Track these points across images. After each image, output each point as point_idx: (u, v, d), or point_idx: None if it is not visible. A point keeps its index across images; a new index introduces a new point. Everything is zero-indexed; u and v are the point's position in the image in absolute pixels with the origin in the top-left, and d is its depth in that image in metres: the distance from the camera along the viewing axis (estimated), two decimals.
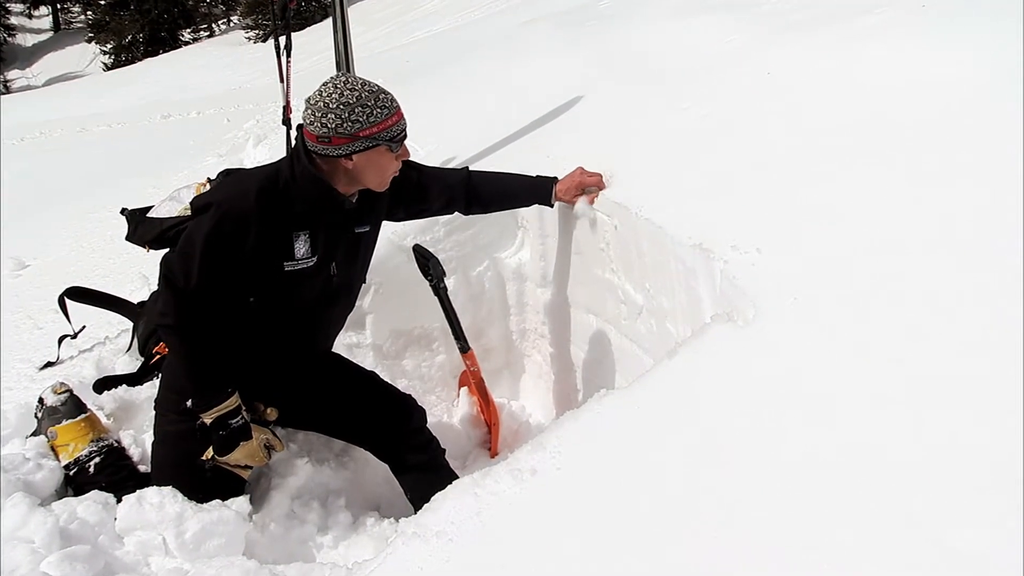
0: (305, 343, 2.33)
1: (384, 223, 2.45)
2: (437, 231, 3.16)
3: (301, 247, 2.11)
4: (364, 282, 2.46)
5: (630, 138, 3.11)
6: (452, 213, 2.67)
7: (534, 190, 2.62)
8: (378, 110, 2.01)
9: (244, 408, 2.18)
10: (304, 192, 2.08)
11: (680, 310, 2.34)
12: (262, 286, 2.11)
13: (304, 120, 2.04)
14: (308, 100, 2.03)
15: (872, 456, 1.35)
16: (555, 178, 2.63)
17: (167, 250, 2.18)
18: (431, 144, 4.37)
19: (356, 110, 1.98)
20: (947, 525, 1.20)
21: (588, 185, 2.64)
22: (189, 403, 2.12)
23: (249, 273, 2.07)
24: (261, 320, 2.18)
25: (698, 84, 3.29)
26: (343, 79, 2.03)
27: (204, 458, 2.18)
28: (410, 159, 2.31)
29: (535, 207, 3.18)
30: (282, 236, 2.08)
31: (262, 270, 2.08)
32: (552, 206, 2.69)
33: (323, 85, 2.02)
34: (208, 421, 2.11)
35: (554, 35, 5.42)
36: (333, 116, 1.98)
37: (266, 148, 6.21)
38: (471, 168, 2.61)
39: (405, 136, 2.11)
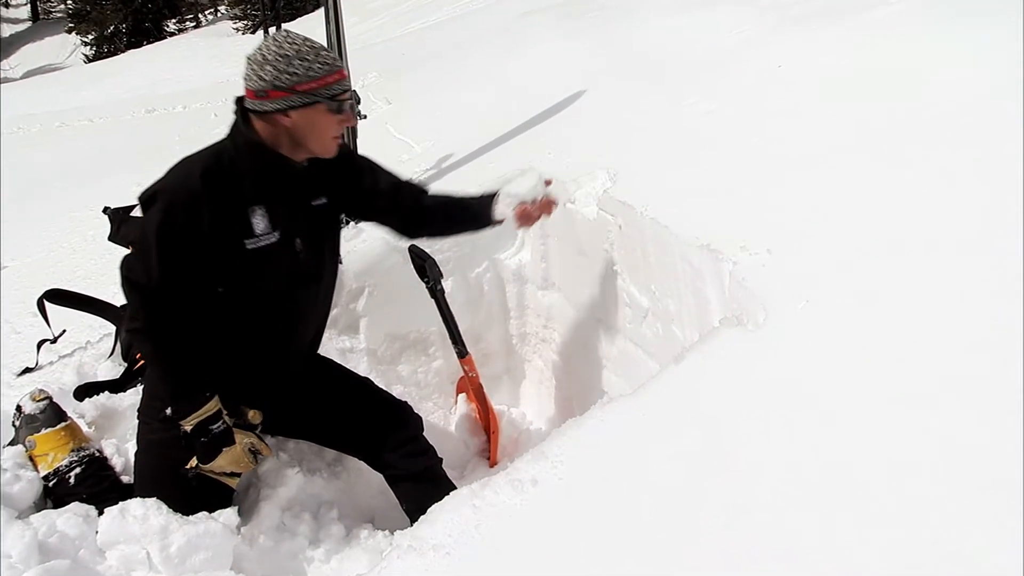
0: (284, 335, 2.31)
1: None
2: None
3: (260, 222, 2.10)
4: (340, 262, 2.45)
5: (634, 134, 3.11)
6: (394, 219, 2.45)
7: (479, 211, 2.38)
8: (317, 65, 2.01)
9: (226, 412, 2.17)
10: (250, 162, 2.09)
11: (687, 313, 2.34)
12: (227, 271, 2.10)
13: (244, 78, 2.05)
14: (247, 57, 2.05)
15: (885, 463, 1.35)
16: (495, 194, 2.37)
17: (127, 252, 2.17)
18: (427, 141, 4.37)
19: (295, 63, 1.99)
20: (958, 532, 1.20)
21: (533, 213, 2.33)
22: (168, 411, 2.12)
23: (211, 258, 2.06)
24: (234, 313, 2.17)
25: (704, 78, 3.30)
26: (283, 34, 2.04)
27: (188, 467, 2.17)
28: (370, 159, 2.34)
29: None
30: (237, 213, 2.08)
31: (224, 253, 2.07)
32: (494, 223, 2.38)
33: (262, 41, 2.04)
34: (188, 428, 2.10)
35: (554, 28, 5.44)
36: (270, 68, 1.99)
37: None
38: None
39: (347, 99, 2.10)
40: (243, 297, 2.16)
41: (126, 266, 2.07)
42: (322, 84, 2.02)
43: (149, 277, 2.02)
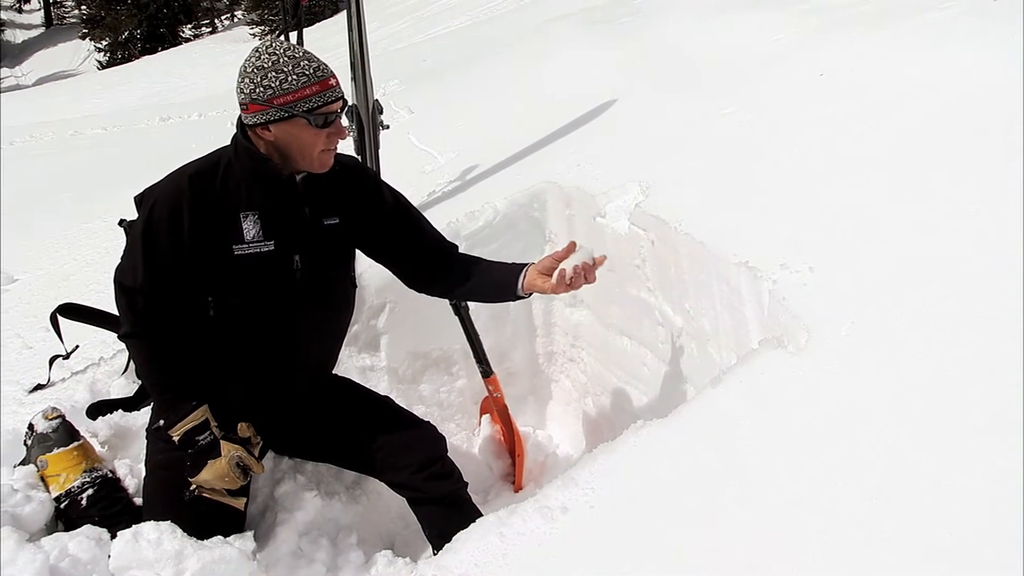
0: (282, 355, 2.31)
1: None
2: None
3: (251, 228, 2.13)
4: (355, 286, 2.45)
5: (668, 145, 3.11)
6: (414, 272, 2.43)
7: (506, 281, 2.26)
8: (294, 77, 2.01)
9: (216, 424, 2.17)
10: (243, 168, 2.13)
11: (724, 334, 2.33)
12: (215, 277, 2.13)
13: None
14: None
15: (937, 496, 1.33)
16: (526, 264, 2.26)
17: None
18: (451, 152, 4.40)
19: (269, 75, 2.01)
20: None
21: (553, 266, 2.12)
22: (162, 422, 2.15)
23: (196, 262, 2.10)
24: (229, 327, 2.19)
25: (742, 86, 3.29)
26: (268, 43, 2.08)
27: (188, 490, 2.17)
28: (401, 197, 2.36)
29: (564, 218, 3.20)
30: (227, 218, 2.12)
31: (210, 257, 2.11)
32: (521, 296, 2.26)
33: (250, 51, 2.09)
34: (176, 437, 2.13)
35: (581, 33, 5.46)
36: (248, 81, 2.03)
37: None
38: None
39: (333, 111, 2.08)
40: (235, 310, 2.17)
41: (117, 270, 2.13)
42: (299, 97, 2.02)
43: (135, 278, 2.08)
